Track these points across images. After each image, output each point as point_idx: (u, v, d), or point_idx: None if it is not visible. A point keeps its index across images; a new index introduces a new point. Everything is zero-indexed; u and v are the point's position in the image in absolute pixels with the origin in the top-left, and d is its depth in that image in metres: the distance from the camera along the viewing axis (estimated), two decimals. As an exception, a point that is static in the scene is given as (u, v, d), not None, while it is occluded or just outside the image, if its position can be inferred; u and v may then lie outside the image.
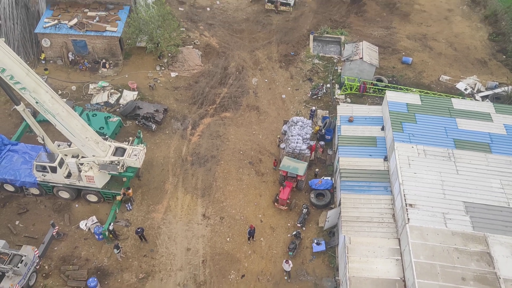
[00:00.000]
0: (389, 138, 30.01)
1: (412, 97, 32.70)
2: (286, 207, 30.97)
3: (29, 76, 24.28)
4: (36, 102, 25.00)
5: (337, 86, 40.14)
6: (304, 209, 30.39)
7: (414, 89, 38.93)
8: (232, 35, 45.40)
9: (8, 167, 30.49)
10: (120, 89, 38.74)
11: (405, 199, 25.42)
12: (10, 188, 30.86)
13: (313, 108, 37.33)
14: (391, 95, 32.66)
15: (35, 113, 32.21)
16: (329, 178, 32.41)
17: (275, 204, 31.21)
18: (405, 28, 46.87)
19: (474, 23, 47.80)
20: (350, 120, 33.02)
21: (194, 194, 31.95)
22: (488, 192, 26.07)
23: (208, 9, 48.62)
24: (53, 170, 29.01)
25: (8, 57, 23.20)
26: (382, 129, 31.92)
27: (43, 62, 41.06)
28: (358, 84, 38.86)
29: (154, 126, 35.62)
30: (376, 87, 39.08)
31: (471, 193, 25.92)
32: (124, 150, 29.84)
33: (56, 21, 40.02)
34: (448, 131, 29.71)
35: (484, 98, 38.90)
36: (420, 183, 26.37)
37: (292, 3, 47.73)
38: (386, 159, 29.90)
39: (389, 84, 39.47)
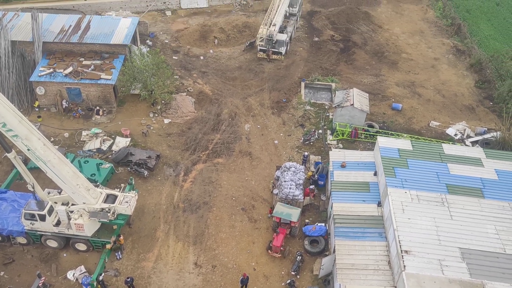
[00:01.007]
0: (382, 183, 30.02)
1: (403, 143, 33.06)
2: (280, 255, 30.36)
3: (22, 123, 24.32)
4: (28, 149, 24.90)
5: (329, 132, 40.58)
6: (298, 257, 29.79)
7: (405, 135, 39.45)
8: (225, 82, 46.26)
9: (-5, 216, 29.89)
10: (113, 136, 38.81)
11: (400, 246, 25.06)
12: (-4, 237, 30.12)
13: (306, 153, 37.51)
14: (382, 141, 33.00)
15: (26, 160, 31.99)
16: (323, 224, 32.04)
17: (269, 251, 30.60)
18: (394, 76, 48.12)
19: (460, 71, 49.27)
20: (343, 166, 33.12)
21: (185, 241, 31.31)
22: (483, 238, 25.85)
23: (201, 57, 49.79)
24: (42, 218, 28.45)
25: (1, 105, 23.31)
26: (375, 174, 31.99)
27: (37, 109, 41.29)
28: (350, 130, 39.33)
29: (146, 173, 35.43)
30: (368, 133, 39.55)
31: (467, 239, 25.67)
32: (116, 197, 29.48)
33: (51, 70, 40.67)
34: (440, 176, 29.83)
35: (474, 143, 39.41)
36: (415, 229, 26.13)
37: (283, 52, 49.09)
38: (379, 204, 29.76)
39: (380, 130, 40.01)
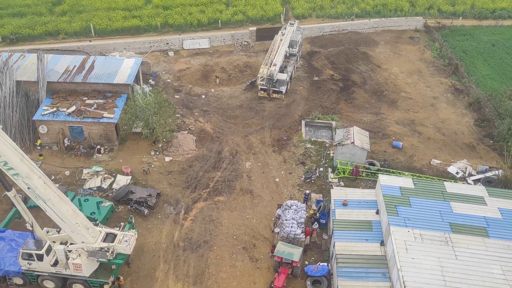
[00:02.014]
0: (385, 222, 29.70)
1: (405, 181, 32.95)
2: (282, 296, 29.61)
3: (23, 162, 24.34)
4: (28, 188, 24.80)
5: (330, 169, 40.54)
6: (300, 298, 29.07)
7: (407, 173, 39.39)
8: (226, 121, 46.68)
9: (-8, 255, 29.42)
10: (113, 174, 38.77)
11: (404, 286, 24.48)
12: (-8, 277, 29.52)
13: (307, 191, 37.32)
14: (384, 179, 32.91)
15: (26, 199, 31.82)
16: (325, 264, 31.44)
17: (270, 292, 29.88)
18: (394, 114, 48.59)
19: (459, 110, 49.79)
20: (344, 204, 32.88)
21: (185, 282, 30.64)
22: (489, 278, 25.32)
23: (203, 96, 50.49)
24: (40, 258, 27.99)
25: (4, 144, 23.43)
26: (377, 213, 31.70)
27: (39, 148, 41.49)
28: (351, 168, 39.31)
29: (146, 211, 35.15)
30: (369, 171, 39.50)
31: (472, 280, 25.13)
32: (115, 236, 29.08)
33: (54, 109, 41.17)
34: (444, 215, 29.54)
35: (476, 182, 39.25)
36: (419, 269, 25.62)
37: (284, 90, 49.81)
38: (382, 243, 29.32)
39: (381, 168, 39.98)
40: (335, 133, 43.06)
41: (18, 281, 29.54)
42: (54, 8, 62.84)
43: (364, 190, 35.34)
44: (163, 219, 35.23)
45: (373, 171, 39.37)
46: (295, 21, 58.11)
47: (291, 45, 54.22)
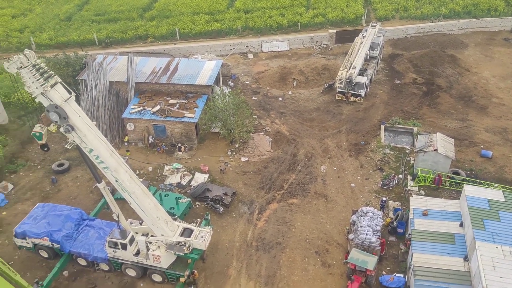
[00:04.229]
0: (469, 236, 27.77)
1: (494, 193, 30.57)
2: (354, 304, 28.86)
3: (113, 156, 26.11)
4: (116, 181, 26.53)
5: (409, 177, 38.79)
6: (373, 309, 28.14)
7: (496, 185, 36.50)
8: (302, 123, 46.54)
9: (83, 242, 31.90)
10: (192, 172, 40.33)
11: (490, 307, 22.72)
12: (82, 262, 32.04)
13: (384, 198, 36.02)
14: (470, 190, 30.81)
15: (113, 191, 34.09)
16: (402, 275, 30.09)
17: (342, 300, 29.27)
18: (483, 121, 45.31)
19: (560, 117, 45.24)
20: (425, 214, 31.27)
21: (257, 281, 30.98)
22: None
23: (280, 98, 50.80)
24: (124, 247, 29.87)
25: (97, 139, 25.34)
26: (461, 225, 29.73)
27: (126, 144, 44.35)
28: (433, 176, 37.28)
29: (222, 209, 36.09)
30: (453, 180, 37.20)
31: None
32: (192, 231, 30.20)
33: (141, 108, 43.78)
34: (538, 232, 26.98)
35: None
36: (508, 289, 23.62)
37: (363, 94, 48.57)
38: (466, 258, 27.43)
39: (467, 178, 37.43)
40: (416, 139, 41.10)
41: (104, 267, 31.76)
42: (144, 13, 66.88)
43: (447, 201, 33.31)
44: (237, 218, 35.96)
45: (457, 181, 37.02)
46: (377, 23, 56.48)
47: (372, 47, 52.77)
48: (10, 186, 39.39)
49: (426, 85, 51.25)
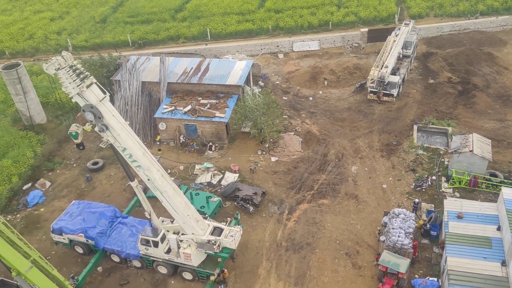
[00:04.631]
0: (508, 240, 26.82)
1: (534, 196, 29.39)
2: (385, 307, 28.38)
3: (145, 155, 26.63)
4: (148, 179, 27.04)
5: (443, 178, 37.79)
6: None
7: (536, 187, 35.08)
8: (333, 123, 46.11)
9: (117, 238, 32.69)
10: (222, 171, 40.63)
11: (529, 314, 21.87)
12: (116, 258, 32.84)
13: (417, 200, 35.22)
14: (508, 192, 29.74)
15: (145, 189, 34.74)
16: (435, 279, 29.37)
17: (373, 302, 28.83)
18: (522, 121, 43.70)
19: None
20: (460, 217, 30.41)
21: (287, 282, 30.92)
22: None
23: (310, 98, 50.49)
24: (155, 244, 30.42)
25: (130, 139, 25.90)
26: (498, 229, 28.75)
27: (158, 143, 45.13)
28: (468, 178, 36.19)
29: (251, 209, 36.21)
30: (490, 182, 36.00)
31: None
32: (222, 230, 30.43)
33: (173, 107, 44.45)
34: None
35: None
36: (548, 296, 22.68)
37: (395, 93, 47.66)
38: (504, 264, 26.49)
39: (505, 180, 36.13)
40: (451, 140, 39.99)
41: (137, 264, 32.44)
42: (176, 14, 67.86)
43: (483, 203, 32.29)
44: (267, 217, 35.99)
45: (494, 183, 35.80)
46: (410, 21, 55.29)
47: (405, 46, 51.72)
48: (48, 184, 40.82)
49: (462, 84, 49.80)
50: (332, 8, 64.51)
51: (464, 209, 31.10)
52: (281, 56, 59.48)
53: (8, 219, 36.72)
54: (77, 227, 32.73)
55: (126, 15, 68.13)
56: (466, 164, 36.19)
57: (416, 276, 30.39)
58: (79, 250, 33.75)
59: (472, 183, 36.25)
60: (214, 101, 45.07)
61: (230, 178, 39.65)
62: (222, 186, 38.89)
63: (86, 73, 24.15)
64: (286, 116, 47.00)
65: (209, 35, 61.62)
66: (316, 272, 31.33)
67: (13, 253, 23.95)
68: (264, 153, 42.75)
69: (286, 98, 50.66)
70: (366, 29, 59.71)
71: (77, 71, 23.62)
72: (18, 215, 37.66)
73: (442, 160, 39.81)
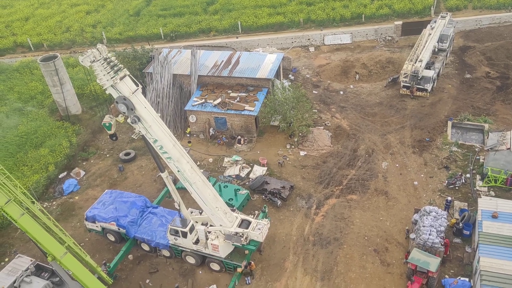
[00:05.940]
0: (544, 242, 25.85)
1: None
2: (414, 306, 27.93)
3: (175, 147, 27.03)
4: (178, 171, 27.46)
5: (478, 177, 36.69)
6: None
7: None
8: (363, 118, 45.44)
9: (147, 228, 33.41)
10: (251, 164, 40.78)
11: None
12: (146, 247, 33.59)
13: (449, 198, 34.36)
14: (546, 192, 28.60)
15: (175, 181, 35.33)
16: (467, 279, 28.65)
17: (401, 300, 28.42)
18: None
19: None
20: (494, 216, 29.49)
21: (313, 276, 30.88)
22: None
23: (341, 92, 49.88)
24: (184, 235, 30.92)
25: (161, 130, 26.34)
26: (535, 230, 27.74)
27: (188, 135, 45.70)
28: (505, 177, 34.99)
29: (279, 202, 36.23)
30: (527, 181, 34.76)
31: None
32: (249, 223, 30.60)
33: (203, 100, 44.85)
34: None
35: None
36: None
37: (429, 88, 46.48)
38: (540, 266, 25.59)
39: (543, 180, 34.81)
40: (487, 137, 38.74)
41: (166, 253, 33.10)
42: (208, 7, 68.27)
43: (520, 203, 31.20)
44: (294, 211, 35.95)
45: (532, 183, 34.53)
46: (447, 13, 53.73)
47: (441, 39, 50.27)
48: (82, 173, 42.08)
49: (501, 79, 48.06)
50: (365, 0, 63.31)
51: (499, 208, 30.15)
52: (312, 49, 58.93)
53: (44, 206, 38.13)
54: (109, 215, 33.62)
55: (159, 8, 69.02)
56: (502, 162, 35.02)
57: (447, 276, 29.72)
58: (111, 238, 34.70)
59: (508, 182, 35.04)
60: (244, 94, 45.18)
61: (259, 171, 39.76)
62: (251, 179, 39.06)
63: (120, 65, 24.63)
64: (316, 110, 46.63)
65: (240, 28, 61.69)
66: (343, 268, 31.12)
67: (49, 239, 24.85)
68: (293, 147, 42.62)
69: (316, 92, 50.23)
70: (400, 22, 58.36)
71: (111, 64, 24.12)
72: (54, 203, 39.05)
73: (478, 157, 38.62)
